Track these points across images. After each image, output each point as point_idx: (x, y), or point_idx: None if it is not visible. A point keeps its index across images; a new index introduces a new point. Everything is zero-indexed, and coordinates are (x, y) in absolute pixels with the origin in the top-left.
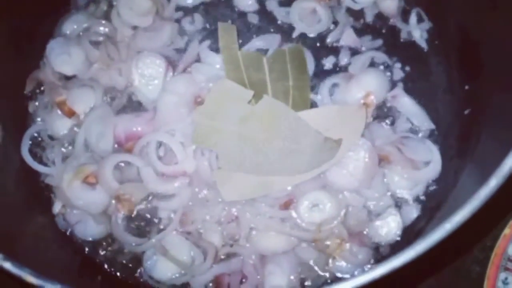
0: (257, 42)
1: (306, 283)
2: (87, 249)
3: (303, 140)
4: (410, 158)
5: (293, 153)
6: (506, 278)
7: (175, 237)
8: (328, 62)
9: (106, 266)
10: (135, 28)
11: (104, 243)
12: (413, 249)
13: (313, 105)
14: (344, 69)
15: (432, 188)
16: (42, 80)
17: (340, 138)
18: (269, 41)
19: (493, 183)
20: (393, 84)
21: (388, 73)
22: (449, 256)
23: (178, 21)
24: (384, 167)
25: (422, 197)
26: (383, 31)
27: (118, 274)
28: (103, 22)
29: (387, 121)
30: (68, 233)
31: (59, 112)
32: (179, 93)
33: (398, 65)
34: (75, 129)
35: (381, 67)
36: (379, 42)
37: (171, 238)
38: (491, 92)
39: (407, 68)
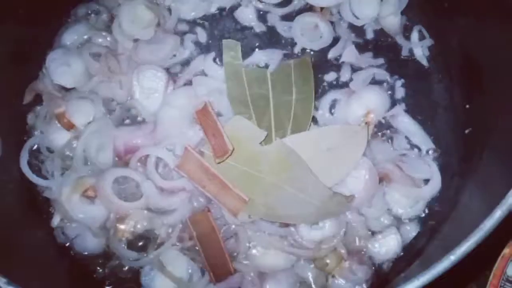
0: (259, 56)
1: None
2: (85, 263)
3: (312, 192)
4: (410, 175)
5: (301, 203)
6: None
7: (173, 252)
8: (329, 78)
9: (104, 281)
10: (136, 40)
11: (103, 258)
12: (418, 280)
13: (314, 121)
14: (345, 85)
15: (432, 206)
16: (41, 91)
17: (344, 163)
18: (271, 55)
19: (498, 214)
20: (393, 102)
21: (389, 91)
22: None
23: (180, 33)
24: (384, 185)
25: (423, 216)
26: (385, 47)
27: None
28: (104, 34)
29: (387, 138)
30: (67, 246)
31: (58, 124)
32: (179, 107)
33: (399, 83)
34: (74, 141)
35: (383, 84)
36: (380, 60)
37: (169, 253)
38: (492, 111)
39: (408, 86)
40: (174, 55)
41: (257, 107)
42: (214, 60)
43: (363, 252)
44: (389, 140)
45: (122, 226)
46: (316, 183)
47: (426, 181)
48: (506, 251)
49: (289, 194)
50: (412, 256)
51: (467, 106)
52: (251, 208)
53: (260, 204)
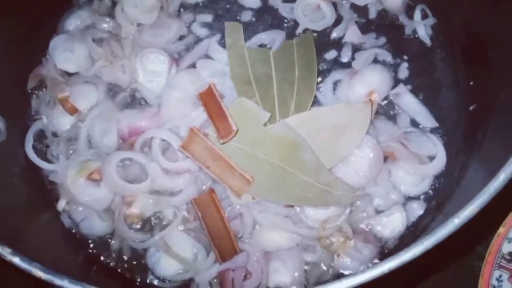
0: (261, 37)
1: (311, 280)
2: (92, 246)
3: (316, 175)
4: (415, 152)
5: (305, 185)
6: (500, 276)
7: (178, 233)
8: (330, 57)
9: (110, 262)
10: (139, 24)
11: (109, 240)
12: (422, 244)
13: (316, 101)
14: (347, 65)
15: (437, 184)
16: (45, 77)
17: (347, 141)
18: (273, 36)
19: (502, 177)
20: (396, 81)
21: (392, 70)
22: (454, 253)
23: (183, 17)
24: (389, 163)
25: (428, 193)
26: (387, 27)
27: (122, 271)
28: (107, 19)
29: (391, 117)
30: (73, 231)
31: (62, 108)
32: (183, 89)
33: (402, 62)
34: (78, 125)
35: (385, 63)
36: (383, 40)
37: (174, 234)
38: (496, 88)
39: (411, 65)
40: (178, 39)
41: (260, 85)
42: (218, 42)
43: (368, 231)
44: (393, 119)
45: (130, 211)
46: (320, 166)
47: (431, 158)
48: (501, 229)
49: (293, 176)
50: (417, 234)
51: (471, 83)
52: (255, 189)
53: (264, 185)
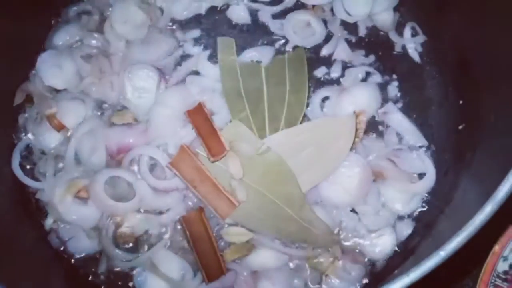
0: (251, 53)
1: None
2: (79, 265)
3: (298, 210)
4: (404, 170)
5: (286, 218)
6: None
7: (165, 253)
8: (320, 74)
9: (98, 282)
10: (128, 41)
11: (96, 259)
12: (408, 277)
13: (305, 118)
14: (336, 82)
15: (427, 203)
16: (32, 92)
17: (333, 156)
18: (263, 52)
19: (489, 209)
20: (386, 99)
21: (381, 88)
22: (448, 277)
23: (173, 33)
24: (379, 182)
25: (417, 213)
26: (377, 44)
27: None
28: (95, 35)
29: (379, 135)
30: (61, 249)
31: (49, 125)
32: (172, 106)
33: (391, 79)
34: (65, 142)
35: (374, 81)
36: (372, 58)
37: (161, 254)
38: (485, 107)
39: (401, 82)
40: (168, 55)
41: (251, 99)
42: (208, 58)
43: (357, 251)
44: (382, 137)
45: (121, 231)
46: (304, 202)
47: (421, 177)
48: (496, 247)
49: (277, 208)
50: (406, 253)
51: (461, 102)
52: (238, 214)
53: (248, 212)
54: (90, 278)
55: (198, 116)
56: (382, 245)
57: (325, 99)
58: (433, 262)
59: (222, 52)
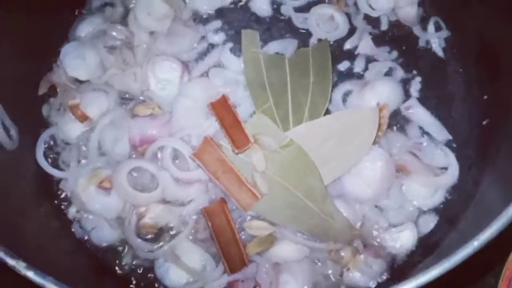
0: (274, 46)
1: None
2: (102, 255)
3: (320, 203)
4: (427, 164)
5: (308, 211)
6: None
7: (187, 244)
8: (343, 68)
9: (120, 272)
10: (152, 32)
11: (121, 250)
12: (440, 266)
13: (326, 112)
14: (359, 76)
15: (450, 198)
16: (56, 83)
17: (356, 149)
18: (286, 45)
19: None
20: (409, 93)
21: (405, 82)
22: (470, 274)
23: (196, 25)
24: (402, 177)
25: (440, 208)
26: (401, 38)
27: (136, 282)
28: (119, 27)
29: (402, 129)
30: (85, 239)
31: (72, 116)
32: (195, 97)
33: (414, 74)
34: (89, 133)
35: (397, 76)
36: (395, 53)
37: (183, 245)
38: (510, 102)
39: (424, 77)
40: (193, 48)
41: (275, 91)
42: (231, 51)
43: (378, 245)
44: (405, 131)
45: (144, 222)
46: (325, 195)
47: (444, 169)
48: None
49: (299, 200)
50: (427, 249)
51: (485, 97)
52: (260, 206)
53: (269, 204)
54: (115, 268)
55: (222, 108)
56: (403, 240)
57: (348, 93)
58: (466, 252)
59: (246, 44)
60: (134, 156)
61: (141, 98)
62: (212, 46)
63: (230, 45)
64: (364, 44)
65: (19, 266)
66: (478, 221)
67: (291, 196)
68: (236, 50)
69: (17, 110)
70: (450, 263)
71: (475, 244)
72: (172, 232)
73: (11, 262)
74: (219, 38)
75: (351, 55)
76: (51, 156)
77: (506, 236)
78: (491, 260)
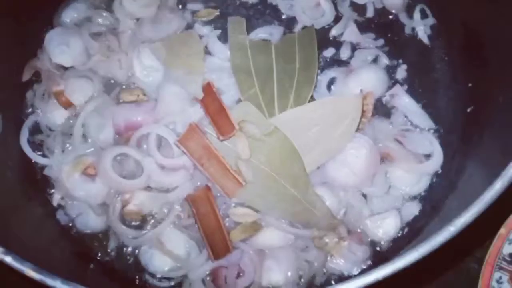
0: (260, 33)
1: (304, 279)
2: (86, 242)
3: (303, 191)
4: (411, 151)
5: (291, 198)
6: (500, 277)
7: (171, 230)
8: (328, 55)
9: (108, 261)
10: (137, 19)
11: (103, 236)
12: (417, 251)
13: (311, 98)
14: (344, 63)
15: (434, 185)
16: (40, 69)
17: (340, 136)
18: (272, 31)
19: (498, 185)
20: (394, 81)
21: (389, 70)
22: (451, 258)
23: (182, 12)
24: (386, 164)
25: (424, 195)
26: (387, 26)
27: (120, 269)
28: (104, 13)
29: (387, 116)
30: (69, 226)
31: (56, 102)
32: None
33: (400, 62)
34: (73, 119)
35: (382, 63)
36: (381, 41)
37: (167, 231)
38: (494, 90)
39: (409, 65)
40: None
41: (261, 77)
42: (218, 38)
43: (362, 232)
44: (389, 118)
45: (129, 209)
46: (308, 184)
47: (428, 156)
48: (502, 230)
49: (282, 188)
50: (412, 235)
51: (469, 84)
52: (244, 193)
53: (253, 191)
54: (99, 255)
55: (207, 95)
56: (386, 227)
57: (333, 80)
58: (443, 237)
59: (233, 31)
60: (119, 142)
61: (126, 85)
62: (198, 33)
63: (217, 32)
64: (349, 32)
65: None
66: (460, 207)
67: (275, 183)
68: (222, 37)
69: (1, 96)
70: (426, 248)
71: (451, 229)
72: (156, 219)
73: None
74: (205, 25)
75: (337, 42)
76: (35, 142)
77: (487, 221)
78: (472, 245)
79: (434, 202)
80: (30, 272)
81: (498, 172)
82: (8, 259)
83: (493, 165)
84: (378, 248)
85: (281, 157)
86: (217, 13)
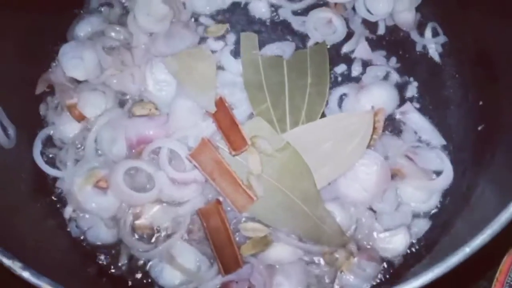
0: (272, 48)
1: None
2: (97, 254)
3: (314, 207)
4: (422, 167)
5: (302, 214)
6: None
7: (182, 244)
8: (339, 71)
9: (115, 271)
10: (151, 33)
11: (114, 249)
12: (432, 272)
13: (322, 114)
14: (355, 80)
15: (444, 202)
16: (53, 82)
17: (350, 146)
18: (284, 48)
19: None
20: (405, 98)
21: (401, 87)
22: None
23: (196, 27)
24: (397, 181)
25: (435, 211)
26: (398, 43)
27: (128, 280)
28: (117, 27)
29: (397, 133)
30: (80, 239)
31: (69, 115)
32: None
33: (411, 79)
34: (85, 133)
35: (393, 80)
36: (392, 58)
37: (177, 245)
38: (506, 108)
39: (420, 82)
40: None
41: (272, 92)
42: (230, 53)
43: (372, 249)
44: (400, 135)
45: (140, 222)
46: (319, 200)
47: (438, 173)
48: None
49: (293, 204)
50: (422, 251)
51: (480, 102)
52: (255, 208)
53: (264, 207)
54: (110, 268)
55: (219, 110)
56: (396, 244)
57: (344, 96)
58: (458, 258)
59: (245, 46)
60: (131, 156)
61: (139, 99)
62: (211, 49)
63: (229, 47)
64: (360, 48)
65: (15, 266)
66: (472, 226)
67: (286, 199)
68: (234, 52)
69: (15, 109)
70: (441, 269)
71: (467, 250)
72: (167, 233)
73: (6, 262)
74: (217, 40)
75: (348, 59)
76: (48, 155)
77: (499, 240)
78: (485, 264)
79: (446, 219)
80: (47, 287)
81: (511, 194)
82: (26, 275)
83: (505, 184)
84: (387, 265)
85: (292, 173)
86: (227, 27)
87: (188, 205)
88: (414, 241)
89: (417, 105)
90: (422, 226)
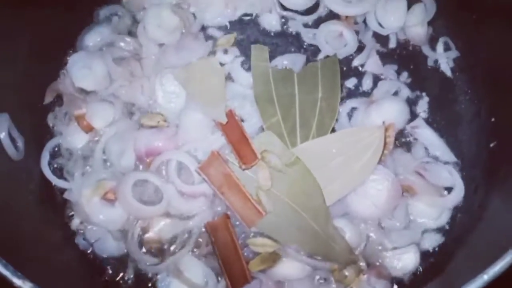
0: (282, 61)
1: None
2: (104, 266)
3: (323, 224)
4: (432, 184)
5: (310, 230)
6: None
7: (190, 258)
8: (350, 85)
9: (122, 284)
10: (161, 44)
11: (121, 262)
12: None
13: (332, 128)
14: (365, 94)
15: (456, 219)
16: (62, 92)
17: (361, 161)
18: (295, 60)
19: None
20: (415, 113)
21: (411, 102)
22: None
23: (206, 39)
24: (407, 197)
25: (446, 228)
26: (409, 57)
27: None
28: (127, 38)
29: (408, 149)
30: (88, 251)
31: (77, 125)
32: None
33: (422, 94)
34: (93, 144)
35: (404, 95)
36: (403, 72)
37: (185, 259)
38: None
39: (432, 97)
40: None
41: (283, 105)
42: (241, 65)
43: (381, 266)
44: (410, 151)
45: (148, 236)
46: (328, 218)
47: (449, 189)
48: None
49: (303, 220)
50: (433, 270)
51: (493, 119)
52: (264, 224)
53: (273, 222)
54: (117, 281)
55: (228, 123)
56: (404, 261)
57: (354, 110)
58: (476, 286)
59: (256, 58)
60: (139, 168)
61: (148, 110)
62: (220, 61)
63: (240, 59)
64: (371, 62)
65: (26, 286)
66: (484, 242)
67: (295, 215)
68: (244, 64)
69: (23, 119)
70: None
71: (485, 277)
72: (175, 246)
73: (17, 282)
74: (228, 58)
75: (359, 72)
76: (56, 166)
77: None
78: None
79: (456, 237)
80: None
81: None
82: None
83: None
84: (397, 282)
85: (302, 189)
86: (236, 39)
87: (196, 219)
88: (424, 257)
89: (428, 120)
90: (433, 242)
